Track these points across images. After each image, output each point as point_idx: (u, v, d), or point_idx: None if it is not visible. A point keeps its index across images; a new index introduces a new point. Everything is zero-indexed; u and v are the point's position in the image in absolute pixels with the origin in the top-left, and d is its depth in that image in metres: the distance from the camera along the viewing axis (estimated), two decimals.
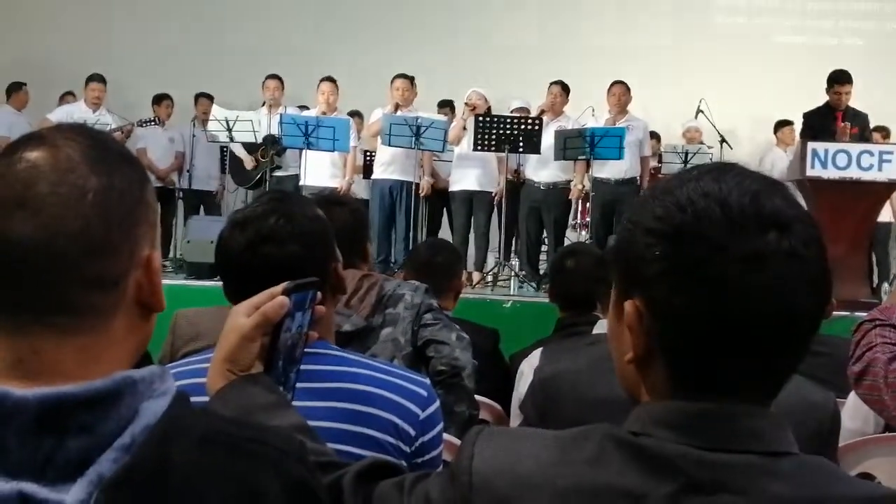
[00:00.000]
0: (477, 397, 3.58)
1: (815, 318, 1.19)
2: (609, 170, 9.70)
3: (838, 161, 7.91)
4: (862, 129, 8.71)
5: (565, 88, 10.09)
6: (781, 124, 11.65)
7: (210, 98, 11.52)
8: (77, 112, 10.75)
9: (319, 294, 1.70)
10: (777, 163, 11.32)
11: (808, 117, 9.00)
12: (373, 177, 10.04)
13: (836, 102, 8.84)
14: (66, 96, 11.97)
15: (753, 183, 1.19)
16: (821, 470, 1.20)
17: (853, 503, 1.17)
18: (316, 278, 1.68)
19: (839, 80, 8.86)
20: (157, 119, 11.27)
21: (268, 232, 2.06)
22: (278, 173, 10.28)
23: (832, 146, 8.01)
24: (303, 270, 2.04)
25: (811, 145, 8.04)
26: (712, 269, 1.14)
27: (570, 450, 1.21)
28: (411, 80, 9.92)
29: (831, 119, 8.71)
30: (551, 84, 10.10)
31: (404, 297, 3.32)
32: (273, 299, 1.58)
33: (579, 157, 9.61)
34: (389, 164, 9.76)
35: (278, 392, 1.57)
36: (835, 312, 3.76)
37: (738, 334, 1.14)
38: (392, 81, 9.88)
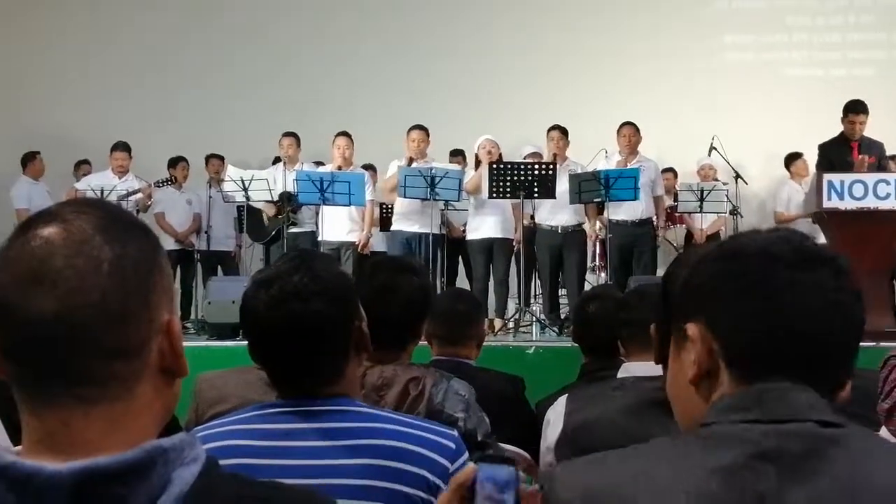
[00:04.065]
0: (505, 446, 3.55)
1: (859, 321, 1.39)
2: (625, 212, 9.69)
3: (855, 192, 7.88)
4: (879, 159, 8.68)
5: (564, 132, 10.06)
6: (792, 157, 11.59)
7: (221, 158, 11.59)
8: (100, 180, 10.80)
9: (523, 475, 1.66)
10: (793, 196, 11.28)
11: (824, 148, 8.96)
12: (392, 229, 10.07)
13: (851, 132, 8.80)
14: (82, 165, 12.04)
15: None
16: (872, 440, 1.36)
17: None
18: (511, 458, 1.63)
19: (854, 109, 8.82)
20: (173, 178, 11.30)
21: (292, 289, 2.07)
22: (294, 230, 10.32)
23: (848, 177, 7.99)
24: (327, 327, 2.05)
25: (827, 177, 8.01)
26: (767, 274, 1.36)
27: (658, 451, 1.37)
28: (427, 130, 9.95)
29: (847, 149, 8.67)
30: (550, 130, 10.07)
31: (457, 424, 2.93)
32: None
33: (595, 200, 9.60)
34: (408, 216, 9.79)
35: None
36: (861, 343, 3.75)
37: (791, 327, 1.34)
38: (408, 133, 9.91)
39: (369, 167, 10.60)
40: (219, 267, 11.54)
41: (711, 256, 1.43)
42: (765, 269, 1.36)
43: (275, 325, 2.06)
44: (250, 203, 10.40)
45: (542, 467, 3.46)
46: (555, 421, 3.25)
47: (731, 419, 1.33)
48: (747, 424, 1.31)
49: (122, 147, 11.03)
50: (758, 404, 1.32)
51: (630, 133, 9.98)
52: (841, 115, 8.93)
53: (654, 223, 10.02)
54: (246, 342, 2.18)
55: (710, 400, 1.39)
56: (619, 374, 3.21)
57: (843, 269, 1.38)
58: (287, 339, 2.06)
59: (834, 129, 9.00)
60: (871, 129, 8.92)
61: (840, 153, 8.70)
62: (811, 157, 11.03)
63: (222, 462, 1.19)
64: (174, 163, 11.56)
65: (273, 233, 10.36)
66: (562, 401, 3.32)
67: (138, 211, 10.30)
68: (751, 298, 1.35)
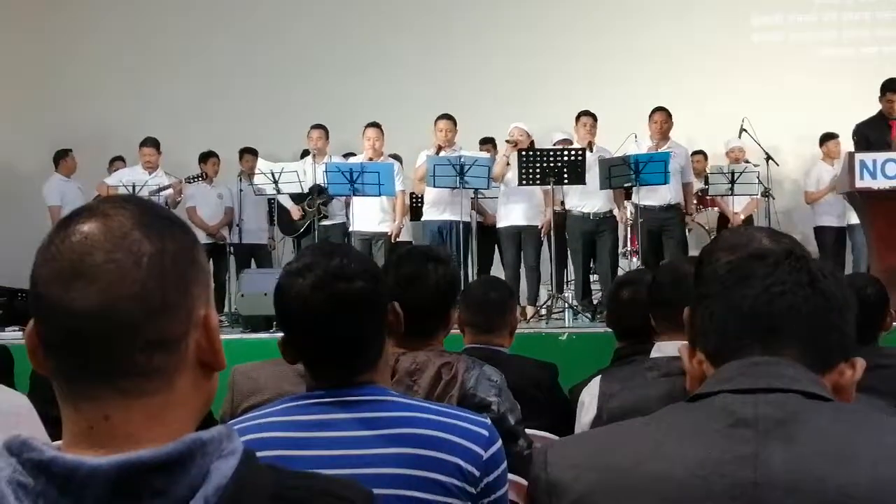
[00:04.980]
0: (538, 433, 3.56)
1: (817, 306, 1.45)
2: (654, 197, 9.64)
3: (887, 170, 7.80)
4: None
5: (595, 118, 10.02)
6: (826, 138, 11.48)
7: (254, 153, 11.60)
8: (132, 175, 10.88)
9: None
10: (824, 176, 11.21)
11: (862, 128, 8.85)
12: (422, 218, 10.10)
13: (889, 111, 8.69)
14: (116, 161, 12.08)
15: None
16: (859, 411, 1.41)
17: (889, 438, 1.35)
18: None
19: (892, 87, 8.70)
20: (204, 174, 11.35)
21: (336, 270, 2.09)
22: (325, 222, 10.34)
23: (880, 156, 7.91)
24: (371, 306, 2.08)
25: (859, 156, 7.94)
26: (715, 280, 1.51)
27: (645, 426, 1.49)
28: (454, 120, 9.96)
29: (886, 128, 8.57)
30: (581, 115, 10.03)
31: (490, 408, 2.95)
32: None
33: (625, 185, 9.57)
34: (438, 205, 9.81)
35: None
36: (895, 323, 3.73)
37: (742, 315, 1.46)
38: (436, 123, 9.92)
39: (395, 157, 10.59)
40: (252, 260, 11.58)
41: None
42: (720, 274, 1.51)
43: (322, 305, 2.08)
44: (280, 199, 10.43)
45: None
46: (589, 403, 3.26)
47: (715, 389, 1.42)
48: (728, 394, 1.39)
49: (151, 143, 11.09)
50: (741, 376, 1.41)
51: (662, 119, 9.92)
52: (878, 93, 8.82)
53: (683, 208, 9.96)
54: (280, 335, 2.19)
55: None
56: (653, 354, 3.21)
57: (798, 260, 1.48)
58: (333, 319, 2.08)
59: (865, 108, 8.92)
60: None
61: (879, 132, 8.59)
62: (844, 139, 10.97)
63: (258, 455, 1.20)
64: (205, 158, 11.60)
65: (305, 226, 10.38)
66: (596, 381, 3.32)
67: (167, 206, 10.33)
68: (710, 298, 1.51)
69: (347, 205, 10.15)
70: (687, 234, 10.19)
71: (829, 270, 1.49)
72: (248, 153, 11.75)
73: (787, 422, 1.34)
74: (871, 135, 8.62)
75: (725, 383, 1.41)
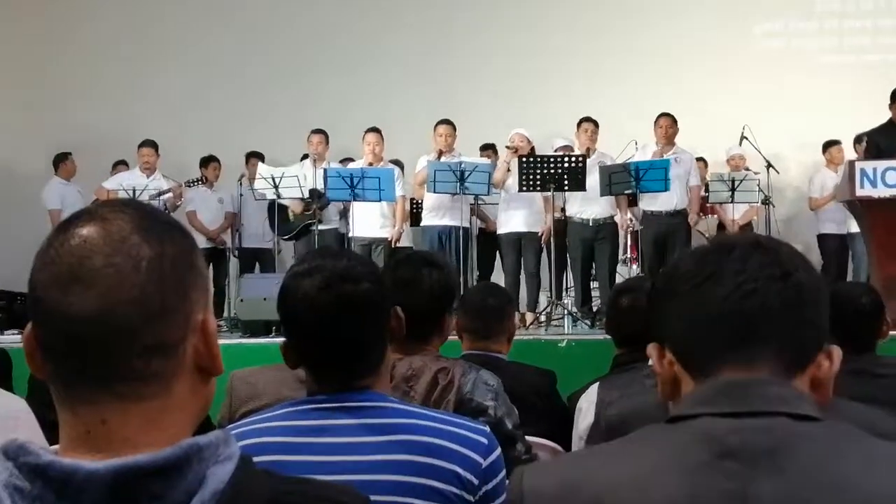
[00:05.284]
0: (537, 440, 3.56)
1: (790, 298, 1.37)
2: (659, 203, 9.65)
3: (888, 179, 7.79)
4: None
5: (596, 124, 10.04)
6: (829, 144, 11.48)
7: (260, 157, 11.59)
8: (130, 178, 10.89)
9: None
10: (827, 183, 11.18)
11: (872, 135, 8.80)
12: (422, 224, 10.09)
13: None
14: (119, 165, 12.05)
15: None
16: (850, 433, 1.34)
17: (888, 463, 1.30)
18: None
19: None
20: (203, 178, 11.35)
21: (343, 272, 2.10)
22: (320, 227, 10.30)
23: (881, 164, 7.89)
24: (376, 308, 2.09)
25: (859, 165, 7.94)
26: (688, 273, 1.42)
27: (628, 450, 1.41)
28: (453, 125, 9.96)
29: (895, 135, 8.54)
30: (582, 122, 10.05)
31: (487, 412, 2.94)
32: None
33: (625, 192, 9.57)
34: (438, 210, 9.81)
35: None
36: (892, 332, 3.72)
37: (711, 313, 1.38)
38: (435, 128, 9.92)
39: (396, 163, 10.58)
40: (257, 264, 11.56)
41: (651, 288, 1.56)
42: (687, 269, 1.42)
43: (328, 306, 2.08)
44: (280, 200, 10.42)
45: None
46: (587, 409, 3.26)
47: (696, 412, 1.34)
48: (713, 418, 1.32)
49: (149, 144, 11.13)
50: (723, 397, 1.34)
51: (667, 124, 9.94)
52: (881, 101, 8.76)
53: (689, 214, 9.97)
54: (279, 340, 2.19)
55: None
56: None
57: (767, 251, 1.41)
58: (339, 321, 2.08)
59: (867, 116, 8.89)
60: None
61: (890, 139, 8.54)
62: (846, 144, 10.96)
63: (256, 459, 1.20)
64: (205, 162, 11.60)
65: (297, 229, 10.36)
66: (594, 388, 3.33)
67: (167, 210, 10.32)
68: (679, 297, 1.42)
69: (346, 210, 10.15)
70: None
71: (801, 259, 1.43)
72: (255, 157, 11.72)
73: (775, 450, 1.28)
74: (882, 142, 8.57)
75: (705, 405, 1.34)
